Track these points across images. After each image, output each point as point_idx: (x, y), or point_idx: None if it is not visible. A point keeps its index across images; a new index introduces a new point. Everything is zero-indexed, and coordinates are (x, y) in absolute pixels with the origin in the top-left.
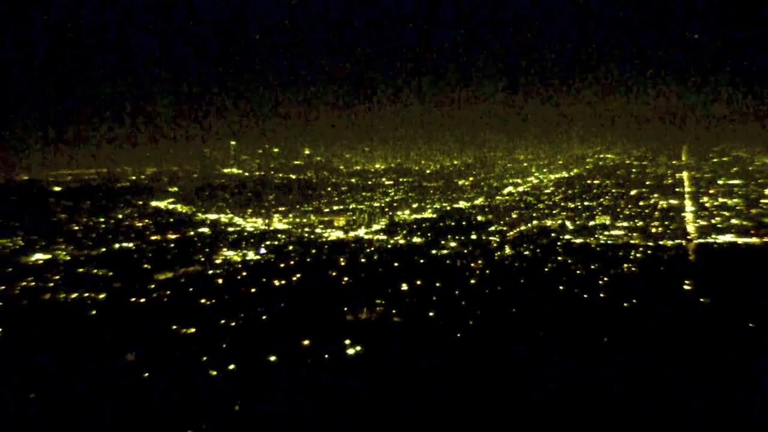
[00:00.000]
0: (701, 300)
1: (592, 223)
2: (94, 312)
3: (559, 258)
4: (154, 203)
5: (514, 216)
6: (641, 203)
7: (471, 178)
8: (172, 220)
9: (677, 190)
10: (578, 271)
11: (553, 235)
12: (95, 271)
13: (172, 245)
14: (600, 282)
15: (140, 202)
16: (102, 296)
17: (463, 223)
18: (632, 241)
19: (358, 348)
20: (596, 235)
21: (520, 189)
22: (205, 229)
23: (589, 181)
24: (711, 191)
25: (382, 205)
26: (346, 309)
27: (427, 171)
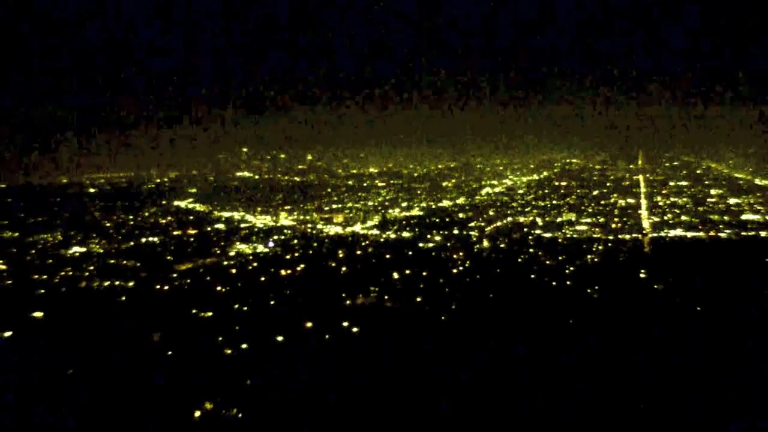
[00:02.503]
0: (655, 287)
1: (559, 219)
2: (123, 298)
3: (531, 250)
4: (175, 203)
5: (491, 213)
6: (602, 202)
7: (453, 180)
8: (191, 217)
9: (634, 190)
10: (547, 262)
11: (525, 230)
12: (124, 262)
13: (192, 239)
14: (566, 271)
15: (164, 202)
16: (130, 284)
17: (447, 219)
18: (595, 235)
19: (355, 329)
20: (563, 230)
21: (497, 190)
22: (221, 225)
23: (556, 183)
24: (663, 192)
25: (376, 204)
26: (344, 295)
27: (415, 174)
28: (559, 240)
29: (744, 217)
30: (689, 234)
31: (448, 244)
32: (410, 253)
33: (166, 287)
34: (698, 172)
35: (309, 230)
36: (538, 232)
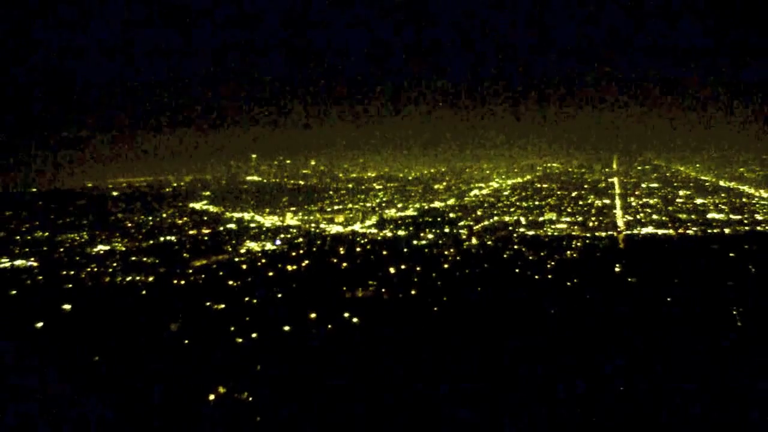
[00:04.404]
0: (629, 280)
1: (541, 218)
2: (144, 291)
3: (515, 247)
4: (191, 204)
5: (479, 213)
6: (580, 202)
7: (444, 183)
8: (205, 218)
9: (609, 191)
10: (530, 257)
11: (510, 228)
12: (145, 259)
13: (206, 238)
14: (548, 266)
15: (180, 204)
16: (150, 279)
17: (438, 219)
18: (574, 233)
19: (355, 320)
20: (545, 228)
21: (484, 192)
22: (232, 225)
23: (538, 185)
24: (636, 193)
25: (374, 205)
26: (345, 288)
27: (410, 177)
28: (541, 237)
29: (709, 215)
30: (660, 231)
31: (440, 242)
32: (405, 249)
33: (182, 281)
34: (667, 174)
35: (313, 229)
36: (522, 230)
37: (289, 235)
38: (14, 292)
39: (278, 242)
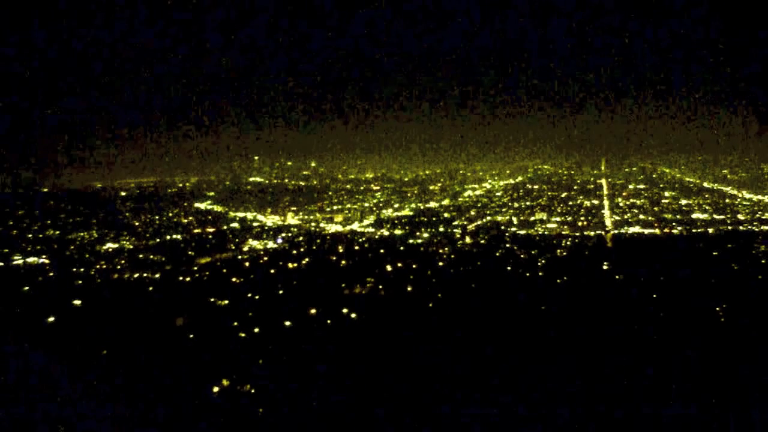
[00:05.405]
0: (616, 277)
1: (532, 218)
2: (151, 288)
3: (507, 245)
4: (196, 204)
5: (472, 213)
6: (570, 203)
7: (439, 184)
8: (210, 217)
9: (598, 192)
10: (522, 255)
11: (502, 227)
12: (152, 256)
13: (210, 236)
14: (539, 263)
15: (186, 204)
16: (157, 276)
17: (434, 218)
18: (563, 232)
19: (354, 315)
20: (535, 228)
21: (477, 192)
22: (236, 224)
23: (530, 186)
24: (623, 194)
25: (371, 205)
26: (343, 285)
27: (406, 179)
28: (532, 236)
29: (694, 215)
30: (646, 231)
31: (435, 240)
32: (401, 248)
33: (188, 278)
34: (653, 176)
35: (313, 228)
36: (513, 229)
37: (290, 234)
38: (26, 288)
39: (279, 241)
